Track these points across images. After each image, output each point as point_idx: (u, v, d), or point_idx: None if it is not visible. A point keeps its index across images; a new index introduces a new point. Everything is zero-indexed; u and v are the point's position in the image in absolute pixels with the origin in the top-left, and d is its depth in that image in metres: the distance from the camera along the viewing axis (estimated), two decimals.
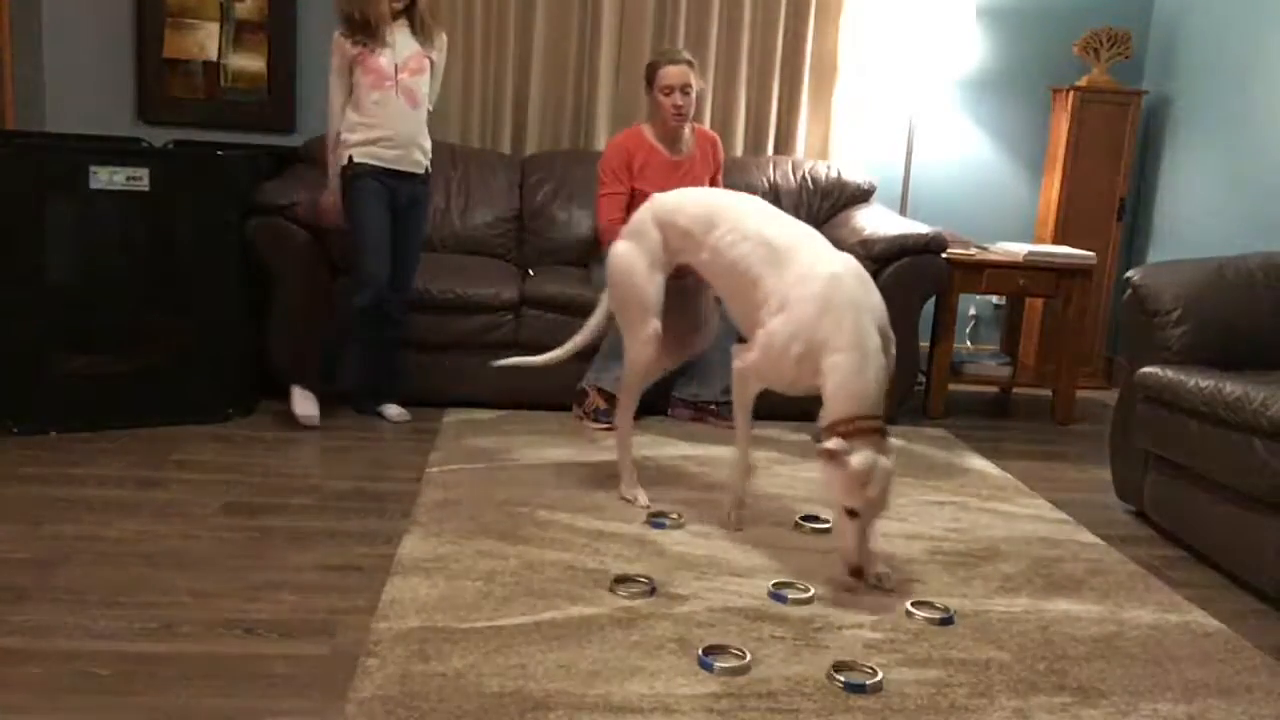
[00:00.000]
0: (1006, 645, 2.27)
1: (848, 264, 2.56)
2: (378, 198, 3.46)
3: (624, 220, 3.94)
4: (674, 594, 2.41)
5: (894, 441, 2.44)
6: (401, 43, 3.47)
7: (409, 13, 3.48)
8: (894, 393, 4.01)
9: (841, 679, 2.05)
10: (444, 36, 3.64)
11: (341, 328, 3.55)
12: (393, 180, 3.49)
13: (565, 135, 4.70)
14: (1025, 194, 4.99)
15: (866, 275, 2.57)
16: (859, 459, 2.33)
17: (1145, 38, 4.97)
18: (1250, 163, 4.25)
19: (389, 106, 3.44)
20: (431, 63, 3.56)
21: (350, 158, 3.45)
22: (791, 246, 2.61)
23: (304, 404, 3.54)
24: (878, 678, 2.06)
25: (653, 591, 2.39)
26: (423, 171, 3.60)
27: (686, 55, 3.88)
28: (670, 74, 3.84)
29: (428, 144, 3.61)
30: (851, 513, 2.38)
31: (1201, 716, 2.03)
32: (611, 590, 2.40)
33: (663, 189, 3.97)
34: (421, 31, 3.51)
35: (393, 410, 3.73)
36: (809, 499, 3.13)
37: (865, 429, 2.38)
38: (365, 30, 3.39)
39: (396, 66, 3.44)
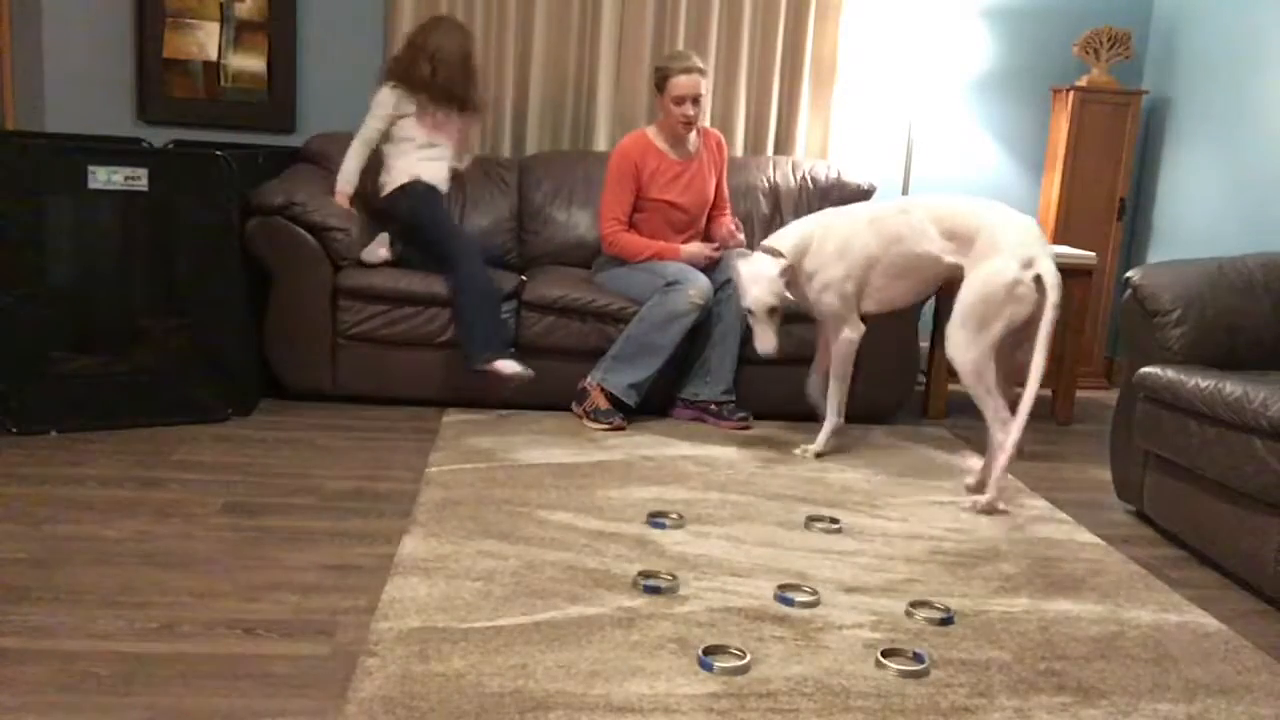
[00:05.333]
0: (1006, 645, 2.27)
1: None
2: (434, 195, 4.01)
3: (625, 225, 3.95)
4: (674, 594, 2.41)
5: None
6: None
7: None
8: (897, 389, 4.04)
9: (894, 666, 2.12)
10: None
11: (484, 294, 3.77)
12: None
13: (565, 136, 4.70)
14: (1025, 194, 4.99)
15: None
16: None
17: (1145, 38, 4.97)
18: (1250, 163, 4.25)
19: (435, 148, 4.07)
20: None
21: (402, 185, 3.96)
22: None
23: (508, 366, 3.70)
24: (924, 665, 2.14)
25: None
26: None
27: (698, 62, 3.86)
28: (682, 84, 3.83)
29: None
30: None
31: (1201, 716, 2.03)
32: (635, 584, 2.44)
33: (672, 189, 3.99)
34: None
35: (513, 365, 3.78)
36: (807, 498, 3.13)
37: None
38: (447, 100, 4.02)
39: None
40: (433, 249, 3.87)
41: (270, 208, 3.70)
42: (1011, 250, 3.07)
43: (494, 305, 3.78)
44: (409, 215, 3.96)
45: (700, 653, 2.10)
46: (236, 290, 3.59)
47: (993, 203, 3.27)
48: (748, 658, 2.11)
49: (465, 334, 3.75)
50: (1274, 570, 2.54)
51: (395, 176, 4.00)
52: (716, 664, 2.07)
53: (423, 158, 4.02)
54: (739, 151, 4.72)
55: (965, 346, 3.12)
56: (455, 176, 4.22)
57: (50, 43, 4.42)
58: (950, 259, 3.27)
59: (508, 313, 3.86)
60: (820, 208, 4.54)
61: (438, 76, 3.98)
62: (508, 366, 3.70)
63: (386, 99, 3.98)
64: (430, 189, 3.99)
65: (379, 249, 3.92)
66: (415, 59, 3.99)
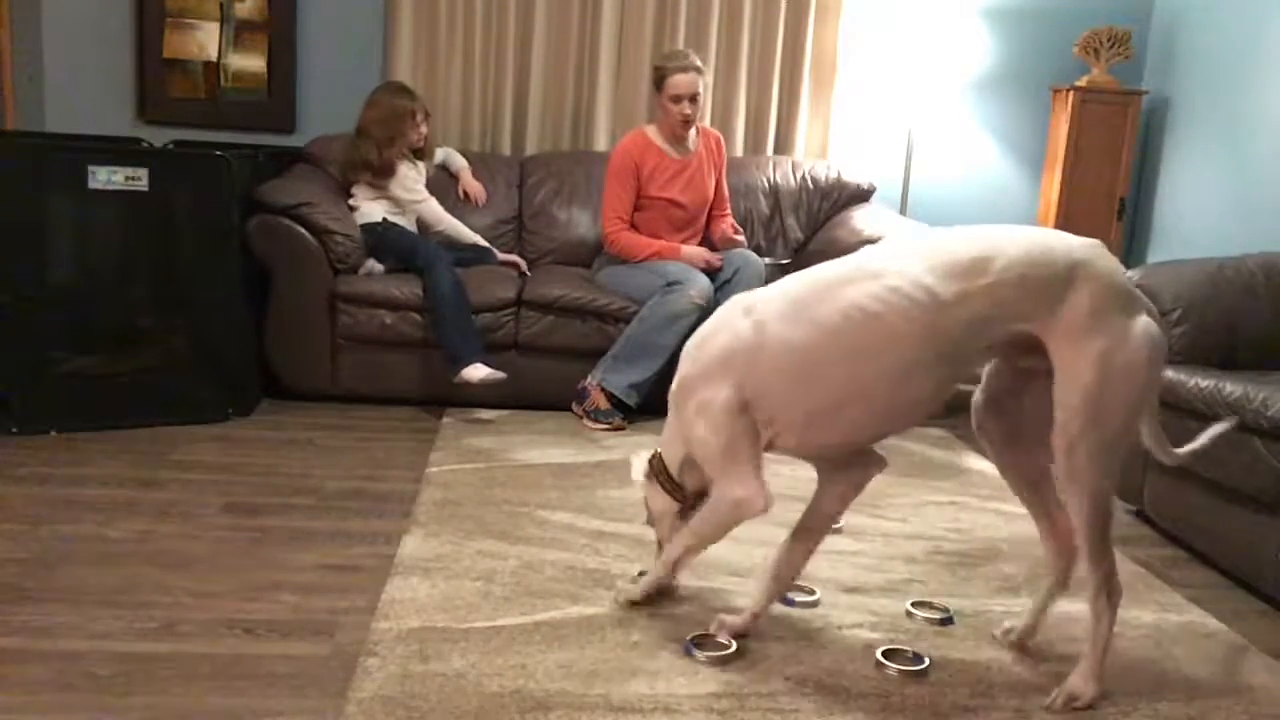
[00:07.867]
0: (1007, 645, 2.27)
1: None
2: (394, 227, 4.06)
3: (627, 224, 3.96)
4: (674, 594, 2.41)
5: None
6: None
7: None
8: None
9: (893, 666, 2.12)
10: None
11: (443, 301, 3.74)
12: None
13: (565, 136, 4.70)
14: (1025, 194, 4.99)
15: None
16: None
17: (1145, 38, 4.97)
18: (1250, 162, 4.25)
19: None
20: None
21: (370, 223, 4.02)
22: None
23: (475, 372, 3.65)
24: (925, 664, 2.14)
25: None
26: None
27: (695, 61, 3.87)
28: (679, 83, 3.84)
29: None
30: None
31: (1202, 716, 2.03)
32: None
33: (672, 187, 3.99)
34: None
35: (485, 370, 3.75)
36: (807, 498, 3.12)
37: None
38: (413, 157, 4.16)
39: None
40: (408, 265, 3.92)
41: (283, 206, 3.70)
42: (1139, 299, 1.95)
43: (457, 310, 3.73)
44: (376, 247, 4.00)
45: (689, 640, 2.11)
46: (236, 290, 3.59)
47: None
48: (733, 647, 2.11)
49: (441, 344, 3.75)
50: (1274, 570, 2.54)
51: (366, 214, 4.03)
52: (700, 652, 2.08)
53: (391, 210, 4.06)
54: (739, 151, 4.72)
55: (1102, 470, 1.93)
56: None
57: (50, 43, 4.42)
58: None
59: (508, 314, 3.86)
60: (821, 207, 4.56)
61: (390, 147, 4.03)
62: (475, 373, 3.65)
63: (409, 170, 4.09)
64: (390, 224, 4.03)
65: (373, 265, 3.98)
66: (375, 144, 4.03)
